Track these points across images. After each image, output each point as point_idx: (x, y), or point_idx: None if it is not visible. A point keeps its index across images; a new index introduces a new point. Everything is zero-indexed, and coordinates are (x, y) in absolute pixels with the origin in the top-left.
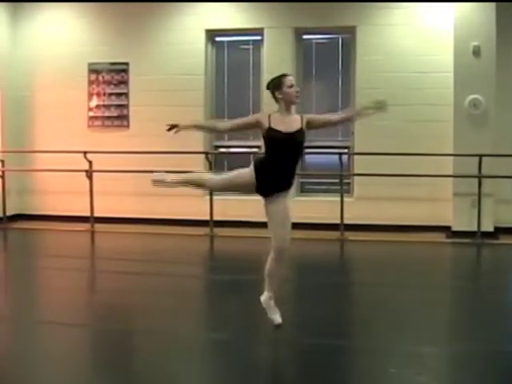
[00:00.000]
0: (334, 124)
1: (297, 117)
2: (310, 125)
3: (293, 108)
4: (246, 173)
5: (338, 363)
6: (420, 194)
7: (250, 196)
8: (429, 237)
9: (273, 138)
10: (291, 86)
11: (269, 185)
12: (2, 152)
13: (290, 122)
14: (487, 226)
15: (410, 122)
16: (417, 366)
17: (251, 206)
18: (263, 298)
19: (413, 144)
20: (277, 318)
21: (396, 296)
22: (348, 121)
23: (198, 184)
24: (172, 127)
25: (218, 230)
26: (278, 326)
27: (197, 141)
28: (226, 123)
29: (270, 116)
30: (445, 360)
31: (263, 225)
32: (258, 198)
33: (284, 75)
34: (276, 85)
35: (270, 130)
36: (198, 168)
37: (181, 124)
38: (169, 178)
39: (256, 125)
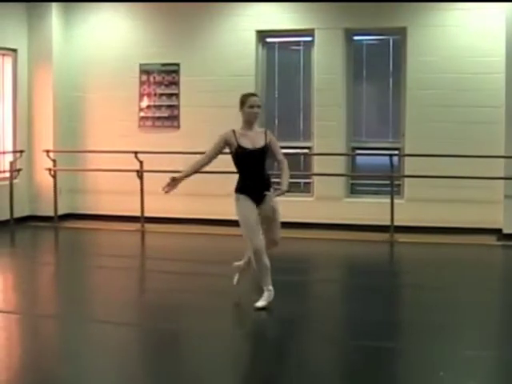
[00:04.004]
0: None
1: (260, 132)
2: (267, 147)
3: (255, 124)
4: (242, 209)
5: (385, 365)
6: (471, 196)
7: (299, 197)
8: (479, 239)
9: (241, 154)
10: (252, 107)
11: (255, 194)
12: (54, 152)
13: (255, 138)
14: None
15: (461, 124)
16: (465, 369)
17: (300, 207)
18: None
19: (464, 146)
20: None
21: (445, 298)
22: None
23: None
24: (169, 186)
25: None
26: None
27: None
28: (203, 159)
29: (235, 133)
30: (494, 364)
31: (311, 226)
32: (307, 199)
33: (249, 95)
34: (240, 102)
35: (239, 147)
36: None
37: (176, 178)
38: None
39: (225, 145)
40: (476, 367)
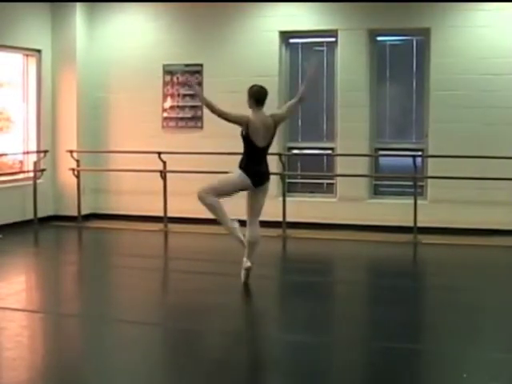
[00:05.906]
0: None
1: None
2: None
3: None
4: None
5: (409, 366)
6: (495, 198)
7: (322, 198)
8: (504, 241)
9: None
10: None
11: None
12: (78, 152)
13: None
14: None
15: (485, 125)
16: (490, 372)
17: (323, 208)
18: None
19: (488, 147)
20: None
21: (470, 300)
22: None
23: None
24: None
25: (291, 232)
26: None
27: None
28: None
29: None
30: None
31: (334, 226)
32: (330, 200)
33: None
34: None
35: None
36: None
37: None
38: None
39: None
40: (501, 370)
